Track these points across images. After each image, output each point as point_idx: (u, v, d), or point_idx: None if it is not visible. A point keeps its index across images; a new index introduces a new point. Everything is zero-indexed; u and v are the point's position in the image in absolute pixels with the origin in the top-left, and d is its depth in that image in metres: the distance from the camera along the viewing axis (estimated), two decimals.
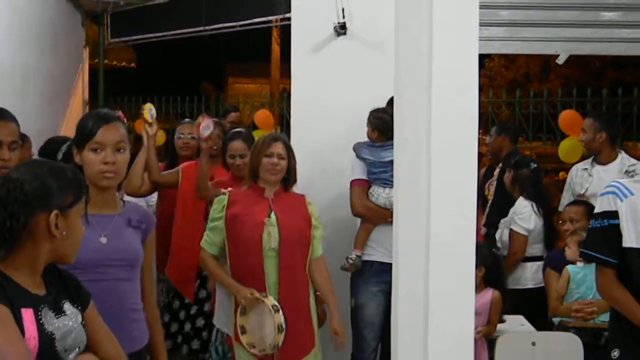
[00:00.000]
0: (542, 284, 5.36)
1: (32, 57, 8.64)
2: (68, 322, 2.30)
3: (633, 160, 5.72)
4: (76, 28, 10.79)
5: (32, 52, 8.62)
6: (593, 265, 4.49)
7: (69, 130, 9.59)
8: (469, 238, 2.95)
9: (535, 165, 5.91)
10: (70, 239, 2.35)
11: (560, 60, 6.75)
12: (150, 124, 5.10)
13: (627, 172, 5.35)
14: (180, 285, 5.50)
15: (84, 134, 2.96)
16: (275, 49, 21.88)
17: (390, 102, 4.97)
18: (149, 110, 5.12)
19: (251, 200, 4.26)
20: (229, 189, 4.50)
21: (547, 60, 17.01)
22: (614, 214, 3.30)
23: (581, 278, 4.74)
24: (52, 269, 2.41)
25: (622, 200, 3.30)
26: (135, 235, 3.05)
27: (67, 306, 2.34)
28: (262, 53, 20.76)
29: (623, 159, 5.66)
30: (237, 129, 5.47)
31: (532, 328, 4.61)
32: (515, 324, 4.66)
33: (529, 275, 5.59)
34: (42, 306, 2.26)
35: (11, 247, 2.27)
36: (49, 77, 9.35)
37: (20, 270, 2.28)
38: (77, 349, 2.30)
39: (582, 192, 5.59)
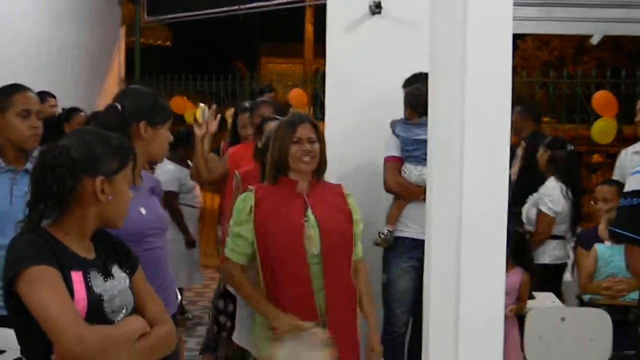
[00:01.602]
0: (560, 262, 5.54)
1: (70, 34, 8.80)
2: (116, 285, 2.41)
3: None
4: (113, 7, 10.94)
5: (70, 29, 8.78)
6: (622, 245, 4.59)
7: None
8: (501, 215, 3.02)
9: (572, 147, 5.96)
10: (116, 203, 2.44)
11: (594, 41, 6.76)
12: (200, 125, 5.05)
13: None
14: None
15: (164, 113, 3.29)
16: (309, 28, 21.91)
17: (410, 80, 5.05)
18: (202, 111, 5.07)
19: (283, 196, 3.62)
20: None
21: (581, 42, 16.91)
22: None
23: (609, 257, 4.79)
24: (103, 235, 2.51)
25: None
26: (158, 203, 3.27)
27: (116, 270, 2.44)
28: (295, 33, 20.83)
29: None
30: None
31: (562, 305, 4.67)
32: (546, 302, 4.73)
33: (548, 252, 5.67)
34: (91, 269, 2.37)
35: (60, 211, 2.39)
36: (85, 54, 9.51)
37: (70, 234, 2.39)
38: (124, 310, 2.40)
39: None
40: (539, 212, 5.63)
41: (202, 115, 5.03)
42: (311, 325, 3.42)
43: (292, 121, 3.68)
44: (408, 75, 5.17)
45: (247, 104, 5.96)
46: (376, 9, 5.51)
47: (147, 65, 11.82)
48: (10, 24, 7.52)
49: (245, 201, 3.61)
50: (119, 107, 3.18)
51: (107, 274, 2.41)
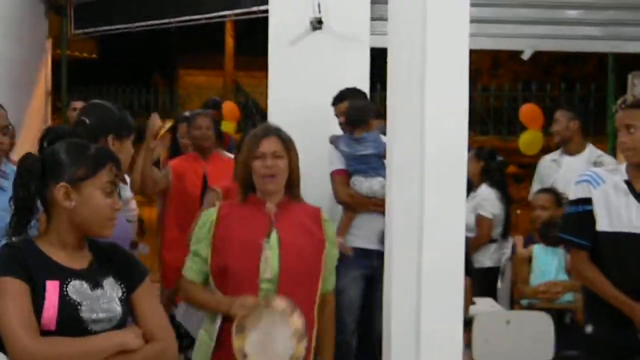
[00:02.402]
0: (498, 265, 5.84)
1: None
2: (104, 296, 2.45)
3: (600, 152, 6.03)
4: (40, 19, 10.83)
5: None
6: (557, 249, 4.84)
7: (32, 120, 9.68)
8: (460, 223, 3.19)
9: (501, 158, 6.34)
10: (85, 210, 2.45)
11: (525, 56, 7.05)
12: (159, 136, 5.01)
13: (594, 163, 5.63)
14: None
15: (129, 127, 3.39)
16: (229, 41, 21.97)
17: (341, 96, 5.23)
18: (164, 128, 5.06)
19: (247, 215, 3.31)
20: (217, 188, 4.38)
21: (496, 56, 17.37)
22: (588, 201, 3.58)
23: (544, 259, 5.02)
24: (109, 248, 2.57)
25: (595, 188, 3.58)
26: None
27: (109, 282, 2.48)
28: (214, 45, 20.83)
29: (591, 150, 5.95)
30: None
31: (503, 309, 4.88)
32: (487, 306, 4.93)
33: (488, 255, 6.07)
34: (74, 278, 2.41)
35: (47, 223, 2.46)
36: (13, 68, 9.40)
37: (54, 245, 2.45)
38: (108, 321, 2.43)
39: (550, 183, 5.85)
40: (479, 217, 5.96)
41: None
42: (269, 300, 3.11)
43: (258, 133, 3.37)
44: (347, 86, 5.33)
45: (186, 114, 6.09)
46: (317, 24, 5.65)
47: (73, 77, 11.73)
48: None
49: (206, 217, 3.34)
50: (87, 121, 3.24)
51: (96, 284, 2.45)
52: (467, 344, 4.24)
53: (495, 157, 6.32)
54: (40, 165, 2.46)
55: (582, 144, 6.00)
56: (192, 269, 3.35)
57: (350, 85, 5.38)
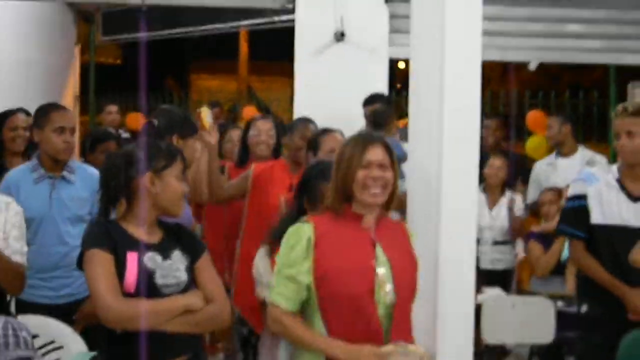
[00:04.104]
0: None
1: (32, 53, 9.21)
2: (172, 265, 2.94)
3: (591, 152, 6.51)
4: (69, 26, 11.34)
5: (31, 48, 9.18)
6: None
7: None
8: (472, 218, 3.71)
9: None
10: (166, 195, 2.96)
11: (531, 67, 7.54)
12: (209, 131, 4.35)
13: (588, 162, 6.08)
14: (251, 316, 4.51)
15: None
16: (244, 46, 22.46)
17: (369, 99, 5.67)
18: (206, 115, 4.36)
19: (344, 230, 2.92)
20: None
21: (505, 65, 17.77)
22: (584, 197, 4.05)
23: None
24: (176, 227, 3.07)
25: (590, 186, 4.05)
26: None
27: (176, 253, 2.97)
28: (227, 50, 21.26)
29: (584, 151, 6.45)
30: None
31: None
32: (494, 293, 5.42)
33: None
34: (149, 251, 2.91)
35: (127, 205, 2.97)
36: (45, 73, 9.90)
37: (133, 223, 2.95)
38: (177, 285, 2.92)
39: (549, 185, 6.20)
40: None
41: (207, 120, 4.34)
42: (400, 346, 2.81)
43: (362, 141, 2.97)
44: (367, 94, 5.82)
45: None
46: (340, 36, 6.16)
47: (99, 82, 12.24)
48: None
49: (298, 236, 2.89)
50: (155, 122, 3.75)
51: (166, 255, 2.94)
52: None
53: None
54: (124, 162, 2.97)
55: (575, 146, 6.49)
56: (283, 295, 2.90)
57: (368, 90, 5.86)
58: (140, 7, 7.24)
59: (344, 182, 2.91)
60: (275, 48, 14.22)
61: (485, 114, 7.13)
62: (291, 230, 2.94)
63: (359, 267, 2.85)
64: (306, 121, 4.92)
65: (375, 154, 2.91)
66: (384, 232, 2.96)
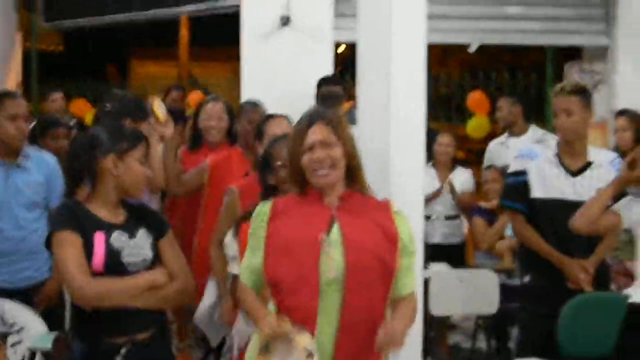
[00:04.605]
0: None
1: None
2: (138, 243, 3.05)
3: (542, 131, 6.72)
4: (9, 14, 11.24)
5: None
6: None
7: None
8: (419, 196, 3.87)
9: None
10: (128, 177, 3.06)
11: (471, 49, 7.75)
12: (163, 123, 4.27)
13: (538, 141, 6.28)
14: None
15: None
16: (184, 32, 22.36)
17: (319, 83, 5.74)
18: (159, 106, 4.28)
19: (305, 208, 2.86)
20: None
21: (447, 46, 18.01)
22: (524, 173, 4.25)
23: None
24: (139, 207, 3.18)
25: (530, 161, 4.24)
26: None
27: (141, 232, 3.08)
28: (167, 36, 21.16)
29: (534, 130, 6.65)
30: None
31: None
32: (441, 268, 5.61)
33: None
34: (115, 230, 3.02)
35: (91, 187, 3.06)
36: None
37: (98, 205, 3.06)
38: (143, 262, 3.04)
39: (501, 164, 6.32)
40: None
41: (160, 111, 4.27)
42: (296, 331, 2.70)
43: (303, 123, 2.88)
44: (313, 77, 5.94)
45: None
46: (286, 21, 6.28)
47: (41, 69, 12.16)
48: None
49: (260, 214, 2.89)
50: (107, 107, 3.83)
51: (132, 234, 3.06)
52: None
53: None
54: (88, 143, 3.06)
55: (525, 126, 6.68)
56: (249, 270, 2.91)
57: (315, 73, 5.98)
58: None
59: (294, 166, 2.86)
60: (216, 34, 14.28)
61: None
62: (257, 208, 2.91)
63: (304, 242, 2.75)
64: (253, 105, 4.89)
65: (316, 133, 2.81)
66: (349, 208, 2.83)
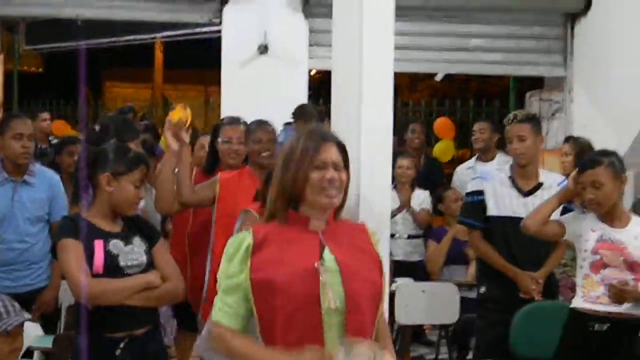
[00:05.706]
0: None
1: None
2: (133, 249, 3.40)
3: (508, 158, 7.01)
4: None
5: None
6: None
7: None
8: (386, 206, 4.25)
9: None
10: (119, 196, 3.40)
11: (437, 78, 8.17)
12: (185, 129, 4.15)
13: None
14: None
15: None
16: (159, 55, 22.65)
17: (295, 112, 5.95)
18: (179, 115, 4.12)
19: (289, 235, 2.61)
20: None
21: (416, 74, 18.48)
22: (481, 192, 4.65)
23: None
24: (136, 218, 3.53)
25: (487, 182, 4.64)
26: None
27: (137, 239, 3.44)
28: (141, 58, 21.41)
29: (501, 157, 6.72)
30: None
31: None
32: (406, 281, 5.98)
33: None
34: (113, 238, 3.37)
35: (92, 200, 3.43)
36: None
37: (98, 216, 3.42)
38: (138, 266, 3.37)
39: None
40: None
41: (183, 117, 4.10)
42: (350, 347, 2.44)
43: (315, 139, 2.63)
44: (289, 104, 6.29)
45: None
46: (264, 49, 6.70)
47: (22, 90, 12.45)
48: None
49: (238, 244, 2.61)
50: (95, 128, 4.17)
51: (128, 241, 3.41)
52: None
53: None
54: (93, 157, 3.43)
55: (495, 153, 6.94)
56: (226, 312, 2.59)
57: (290, 100, 6.34)
58: (75, 20, 7.54)
59: (293, 183, 2.58)
60: (190, 57, 14.59)
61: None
62: (230, 240, 2.66)
63: (301, 270, 2.52)
64: (261, 123, 4.65)
65: (330, 152, 2.60)
66: (335, 233, 2.64)
